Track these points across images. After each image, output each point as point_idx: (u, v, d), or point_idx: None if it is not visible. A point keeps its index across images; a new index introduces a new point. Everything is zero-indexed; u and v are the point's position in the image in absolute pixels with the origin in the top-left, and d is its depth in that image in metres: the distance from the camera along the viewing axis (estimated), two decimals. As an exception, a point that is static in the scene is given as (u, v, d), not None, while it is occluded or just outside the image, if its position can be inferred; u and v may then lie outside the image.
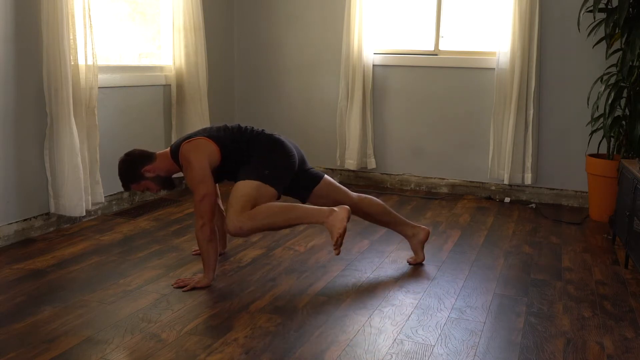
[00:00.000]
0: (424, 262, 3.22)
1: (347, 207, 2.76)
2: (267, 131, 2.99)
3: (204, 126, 4.60)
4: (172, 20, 4.45)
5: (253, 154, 2.89)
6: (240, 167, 2.89)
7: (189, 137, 2.88)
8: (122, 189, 4.13)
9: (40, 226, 3.53)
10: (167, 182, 2.99)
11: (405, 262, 3.22)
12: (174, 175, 3.06)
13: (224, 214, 3.14)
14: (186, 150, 2.82)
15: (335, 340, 2.32)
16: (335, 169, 5.19)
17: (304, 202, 3.07)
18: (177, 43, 4.48)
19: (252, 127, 2.99)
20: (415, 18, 4.96)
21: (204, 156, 2.79)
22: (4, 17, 3.22)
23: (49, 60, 3.39)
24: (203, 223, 2.74)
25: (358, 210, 3.12)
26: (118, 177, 2.94)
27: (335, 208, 2.74)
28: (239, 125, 2.99)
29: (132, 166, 2.90)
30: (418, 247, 3.19)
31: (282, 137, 2.98)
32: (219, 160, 2.85)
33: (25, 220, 3.44)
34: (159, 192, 2.86)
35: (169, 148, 2.97)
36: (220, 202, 3.16)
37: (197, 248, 3.30)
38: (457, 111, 4.83)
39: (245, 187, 2.77)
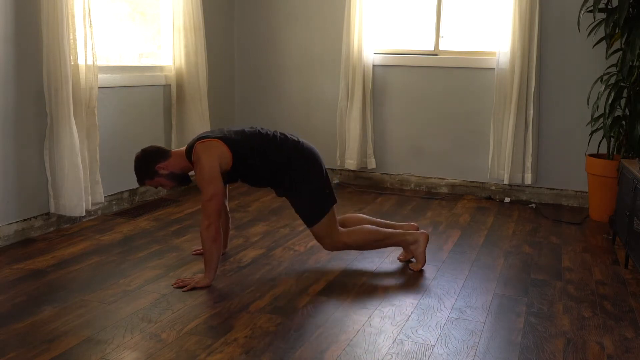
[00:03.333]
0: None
1: (426, 233, 3.13)
2: (289, 136, 3.01)
3: (204, 126, 4.63)
4: (172, 20, 4.45)
5: (290, 175, 2.94)
6: (277, 185, 3.00)
7: (205, 137, 2.90)
8: (121, 189, 4.15)
9: (40, 226, 3.53)
10: (181, 179, 3.00)
11: (405, 262, 3.22)
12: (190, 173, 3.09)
13: (229, 214, 3.25)
14: (199, 149, 2.84)
15: (335, 340, 2.32)
16: (335, 169, 5.19)
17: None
18: (177, 43, 4.48)
19: (272, 133, 3.00)
20: (415, 18, 4.96)
21: (214, 157, 2.82)
22: (4, 17, 3.22)
23: (49, 60, 3.39)
24: (209, 223, 2.76)
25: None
26: (134, 172, 2.97)
27: (419, 238, 3.10)
28: (258, 130, 2.99)
29: (147, 162, 2.93)
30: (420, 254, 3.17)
31: (305, 145, 3.02)
32: (230, 164, 2.88)
33: (25, 220, 3.44)
34: (172, 189, 2.90)
35: (185, 146, 2.99)
36: (226, 202, 3.18)
37: (197, 248, 3.30)
38: (457, 111, 4.83)
39: (322, 227, 2.98)
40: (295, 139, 3.02)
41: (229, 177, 2.96)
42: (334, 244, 3.03)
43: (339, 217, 3.19)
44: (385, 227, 3.24)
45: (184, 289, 2.76)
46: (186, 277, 2.89)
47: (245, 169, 2.93)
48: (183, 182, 3.03)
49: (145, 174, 2.94)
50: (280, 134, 3.01)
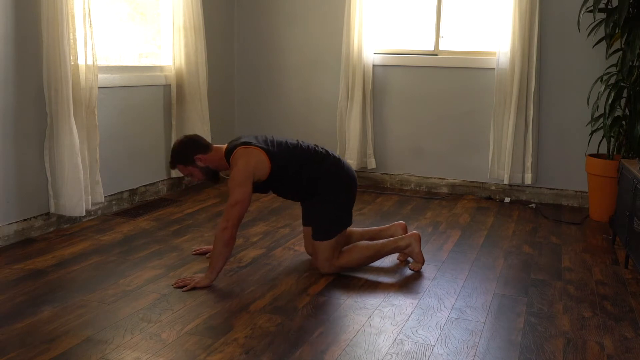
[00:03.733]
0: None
1: (417, 233, 3.12)
2: (330, 152, 3.06)
3: (204, 126, 4.63)
4: (172, 20, 4.45)
5: (323, 189, 2.99)
6: (299, 193, 3.03)
7: (248, 143, 2.92)
8: (121, 189, 4.15)
9: (40, 226, 3.53)
10: (212, 175, 3.02)
11: (405, 262, 3.22)
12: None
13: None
14: (239, 153, 2.87)
15: (335, 340, 2.32)
16: (335, 169, 5.18)
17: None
18: (177, 43, 4.48)
19: (314, 148, 3.03)
20: (415, 18, 4.96)
21: (251, 165, 2.85)
22: (4, 17, 3.22)
23: (49, 60, 3.39)
24: (226, 227, 2.78)
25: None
26: (172, 157, 2.99)
27: (410, 241, 3.08)
28: (300, 144, 3.03)
29: (187, 149, 2.95)
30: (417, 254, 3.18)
31: (345, 165, 3.07)
32: (267, 175, 2.91)
33: (25, 220, 3.44)
34: (199, 182, 2.91)
35: (226, 145, 3.02)
36: None
37: (198, 248, 3.30)
38: (457, 111, 4.83)
39: (329, 245, 2.97)
40: (337, 156, 3.08)
41: (261, 187, 2.98)
42: (330, 265, 2.99)
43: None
44: (375, 236, 3.27)
45: (184, 289, 2.76)
46: (186, 276, 2.89)
47: (281, 181, 2.98)
48: (213, 179, 3.05)
49: (182, 160, 2.95)
50: (322, 149, 3.07)
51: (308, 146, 3.03)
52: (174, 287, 2.79)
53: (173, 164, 3.00)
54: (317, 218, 3.02)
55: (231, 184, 2.83)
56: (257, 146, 2.90)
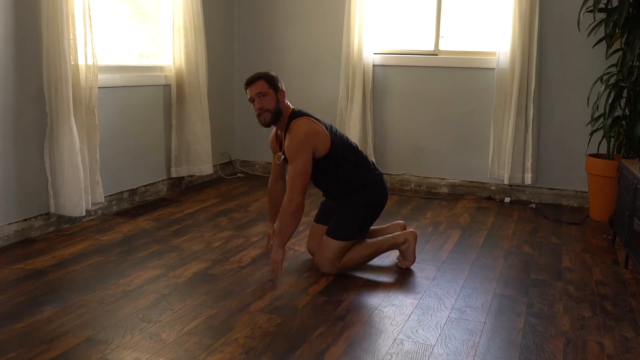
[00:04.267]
0: (420, 262, 3.22)
1: (414, 232, 3.14)
2: (377, 167, 3.14)
3: (204, 126, 4.63)
4: (172, 20, 4.45)
5: (361, 195, 3.04)
6: (335, 191, 3.07)
7: (316, 118, 2.98)
8: (121, 189, 4.15)
9: (40, 226, 3.53)
10: (277, 115, 2.95)
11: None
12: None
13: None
14: (304, 122, 2.90)
15: (335, 340, 2.32)
16: (335, 169, 5.18)
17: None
18: (177, 43, 4.48)
19: (366, 155, 3.12)
20: (415, 18, 4.96)
21: (314, 136, 2.89)
22: (4, 17, 3.22)
23: (49, 60, 3.39)
24: (292, 198, 2.84)
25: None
26: (259, 73, 2.96)
27: (408, 238, 3.10)
28: (356, 145, 3.10)
29: (277, 80, 2.97)
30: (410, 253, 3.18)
31: (386, 185, 3.14)
32: (323, 154, 2.94)
33: (25, 220, 3.43)
34: (261, 116, 2.92)
35: (292, 107, 3.02)
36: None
37: (269, 237, 3.29)
38: (457, 111, 4.83)
39: (340, 245, 2.98)
40: (382, 173, 3.14)
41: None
42: (332, 266, 3.00)
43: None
44: (373, 236, 3.27)
45: (274, 273, 2.89)
46: (267, 265, 2.98)
47: (328, 169, 3.00)
48: (274, 118, 2.95)
49: (272, 81, 2.93)
50: (371, 161, 3.14)
51: (362, 152, 3.11)
52: (274, 277, 2.90)
53: (261, 77, 2.94)
54: (345, 218, 3.02)
55: (292, 151, 2.86)
56: (323, 125, 2.95)
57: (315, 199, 4.59)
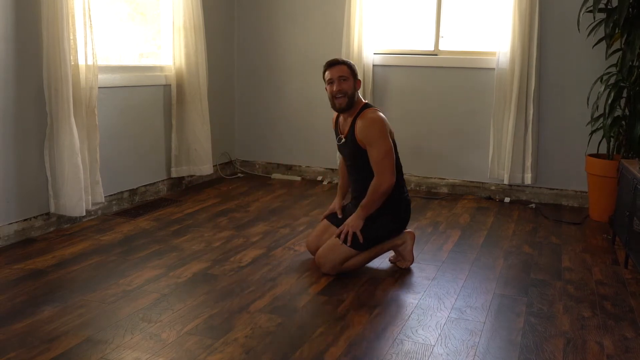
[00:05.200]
0: (420, 262, 3.22)
1: (412, 232, 3.19)
2: (404, 184, 3.18)
3: (204, 126, 4.63)
4: (172, 20, 4.45)
5: (393, 210, 3.08)
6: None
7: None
8: (121, 189, 4.15)
9: (40, 226, 3.53)
10: (350, 101, 3.06)
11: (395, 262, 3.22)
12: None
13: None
14: (378, 115, 3.03)
15: (336, 340, 2.32)
16: (336, 169, 5.19)
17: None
18: (177, 43, 4.48)
19: (402, 174, 3.17)
20: (415, 18, 4.95)
21: (388, 128, 3.04)
22: (4, 17, 3.22)
23: (49, 60, 3.39)
24: (383, 181, 2.94)
25: None
26: (343, 59, 3.12)
27: (406, 238, 3.13)
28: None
29: (356, 70, 3.13)
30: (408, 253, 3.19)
31: (410, 211, 3.18)
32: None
33: (25, 220, 3.44)
34: (336, 99, 3.05)
35: (361, 101, 3.12)
36: None
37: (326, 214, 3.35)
38: (457, 111, 4.83)
39: (349, 252, 2.99)
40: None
41: (360, 150, 3.04)
42: (333, 268, 2.99)
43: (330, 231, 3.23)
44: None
45: (342, 236, 2.97)
46: (342, 229, 3.01)
47: (363, 171, 3.08)
48: (348, 104, 3.07)
49: (354, 70, 3.09)
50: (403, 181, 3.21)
51: (401, 168, 3.16)
52: (341, 240, 2.96)
53: (344, 62, 3.08)
54: (365, 227, 3.01)
55: (374, 135, 2.96)
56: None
57: (315, 198, 4.59)
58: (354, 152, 3.08)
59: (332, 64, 3.08)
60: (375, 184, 2.97)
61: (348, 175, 3.27)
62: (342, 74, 3.04)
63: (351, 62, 3.14)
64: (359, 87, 3.10)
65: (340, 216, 3.25)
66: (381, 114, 3.05)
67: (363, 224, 2.99)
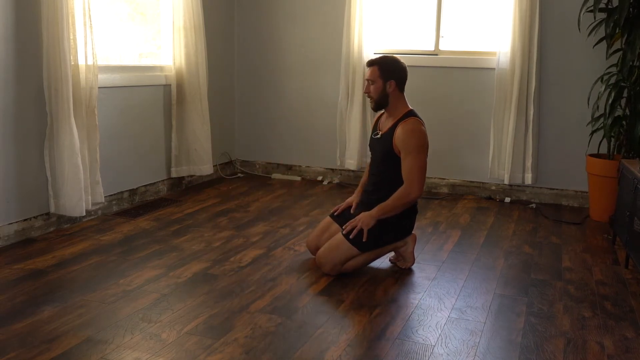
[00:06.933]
0: (420, 262, 3.22)
1: (413, 234, 3.16)
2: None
3: (204, 126, 4.63)
4: (172, 20, 4.45)
5: (404, 218, 3.07)
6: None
7: None
8: (121, 189, 4.15)
9: (40, 226, 3.53)
10: (380, 103, 3.08)
11: (395, 262, 3.22)
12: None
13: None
14: (420, 127, 3.01)
15: (335, 340, 2.32)
16: (336, 169, 5.19)
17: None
18: (177, 43, 4.48)
19: None
20: (415, 18, 4.95)
21: (427, 140, 3.04)
22: (4, 17, 3.22)
23: (49, 60, 3.39)
24: (411, 191, 2.95)
25: None
26: (378, 58, 3.08)
27: (407, 240, 3.12)
28: None
29: (395, 71, 3.06)
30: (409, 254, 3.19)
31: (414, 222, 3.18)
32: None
33: (25, 220, 3.43)
34: (368, 94, 3.08)
35: (407, 106, 3.10)
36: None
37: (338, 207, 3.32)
38: (457, 111, 4.83)
39: (352, 251, 2.98)
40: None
41: (394, 155, 3.04)
42: (334, 267, 2.99)
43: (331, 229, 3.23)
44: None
45: (352, 234, 2.94)
46: (351, 222, 2.99)
47: (389, 182, 3.08)
48: (378, 104, 3.09)
49: (385, 69, 3.03)
50: None
51: None
52: (345, 233, 2.95)
53: (376, 63, 3.05)
54: (376, 226, 3.00)
55: (413, 145, 2.96)
56: None
57: (315, 198, 4.59)
58: (384, 150, 3.07)
59: (367, 64, 3.10)
60: (402, 192, 2.96)
61: (374, 178, 3.20)
62: (370, 76, 3.06)
63: (387, 59, 3.07)
64: (392, 87, 3.04)
65: (352, 212, 3.22)
66: (424, 127, 3.03)
67: (374, 224, 2.98)
